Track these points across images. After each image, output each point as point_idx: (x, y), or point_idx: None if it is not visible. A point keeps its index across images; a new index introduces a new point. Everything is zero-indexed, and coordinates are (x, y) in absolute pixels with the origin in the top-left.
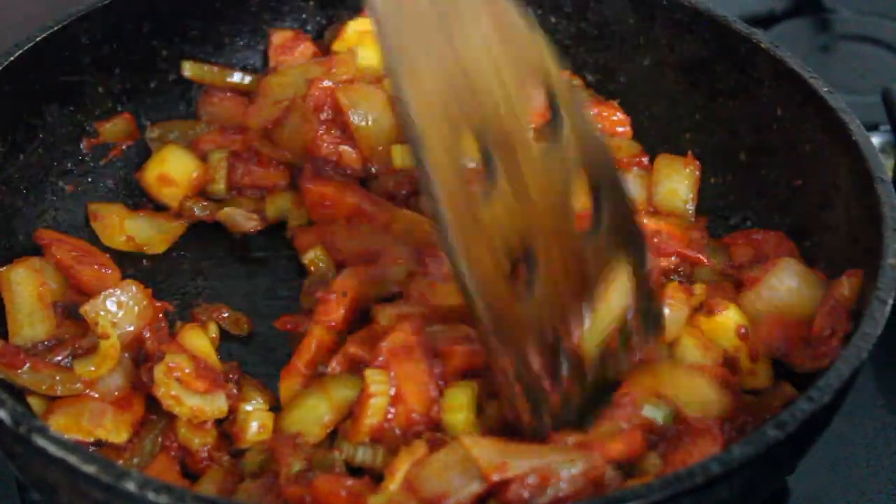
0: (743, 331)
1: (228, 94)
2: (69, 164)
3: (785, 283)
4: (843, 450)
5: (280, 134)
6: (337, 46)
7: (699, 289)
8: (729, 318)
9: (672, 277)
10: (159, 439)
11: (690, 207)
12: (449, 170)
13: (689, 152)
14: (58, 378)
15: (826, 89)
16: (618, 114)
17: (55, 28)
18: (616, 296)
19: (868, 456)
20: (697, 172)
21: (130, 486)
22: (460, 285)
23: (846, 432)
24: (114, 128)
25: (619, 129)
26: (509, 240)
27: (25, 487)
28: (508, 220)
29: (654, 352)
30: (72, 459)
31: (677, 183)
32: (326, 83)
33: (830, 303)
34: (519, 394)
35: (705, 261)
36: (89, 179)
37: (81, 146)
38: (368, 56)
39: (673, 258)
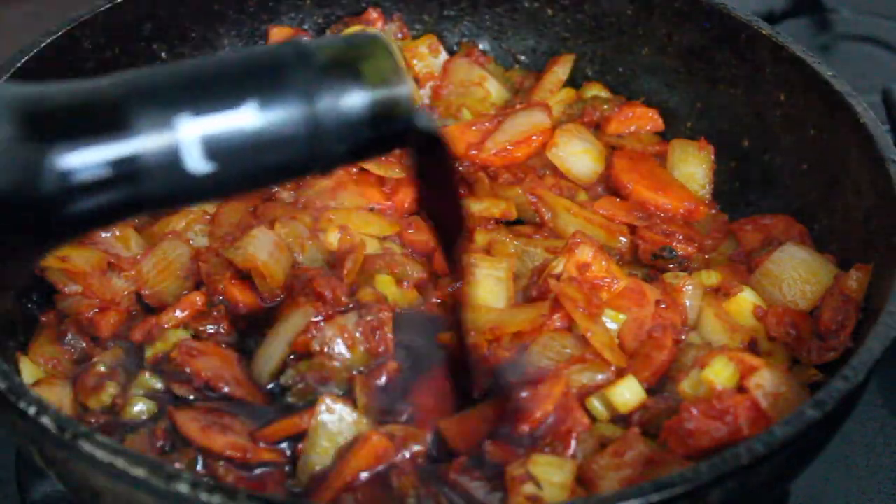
0: (760, 312)
1: None
2: None
3: (783, 267)
4: (843, 450)
5: None
6: None
7: (713, 275)
8: (745, 300)
9: (671, 267)
10: None
11: (708, 190)
12: None
13: (703, 137)
14: None
15: (830, 73)
16: (650, 112)
17: (59, 33)
18: None
19: (868, 456)
20: (712, 156)
21: (182, 488)
22: None
23: (846, 432)
24: None
25: (650, 127)
26: None
27: (26, 488)
28: None
29: None
30: (120, 463)
31: (694, 167)
32: None
33: (838, 296)
34: None
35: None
36: None
37: None
38: None
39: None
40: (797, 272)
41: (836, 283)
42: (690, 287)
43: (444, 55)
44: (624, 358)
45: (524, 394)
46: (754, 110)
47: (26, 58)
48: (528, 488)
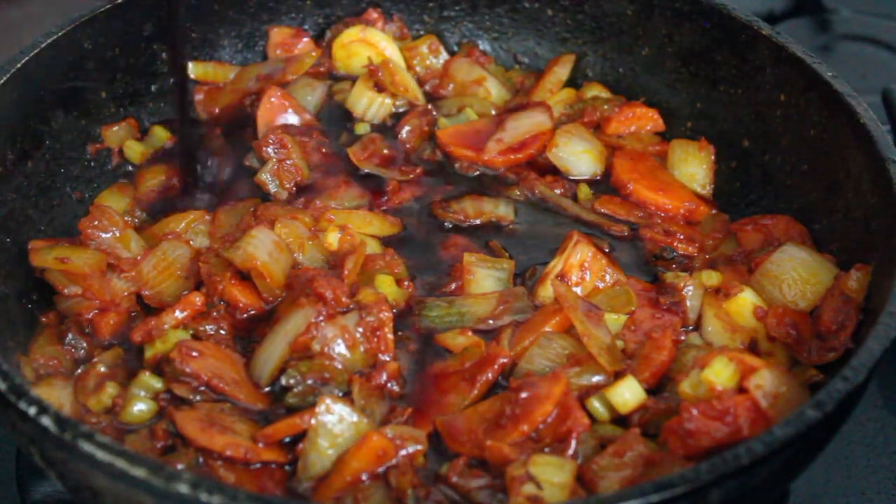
0: (760, 312)
1: (228, 93)
2: (75, 170)
3: (783, 268)
4: (843, 449)
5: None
6: (337, 46)
7: (713, 275)
8: (746, 300)
9: (673, 267)
10: None
11: (708, 191)
12: None
13: (703, 137)
14: None
15: (830, 73)
16: (650, 113)
17: (59, 34)
18: None
19: (868, 456)
20: (712, 156)
21: (182, 489)
22: None
23: (846, 432)
24: (118, 132)
25: (650, 127)
26: None
27: (26, 488)
28: None
29: None
30: (120, 464)
31: (694, 167)
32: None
33: (838, 296)
34: None
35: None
36: (95, 185)
37: (87, 152)
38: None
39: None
40: (797, 272)
41: (836, 284)
42: (691, 287)
43: (444, 55)
44: (620, 361)
45: (524, 394)
46: (754, 110)
47: (26, 58)
48: (529, 488)
